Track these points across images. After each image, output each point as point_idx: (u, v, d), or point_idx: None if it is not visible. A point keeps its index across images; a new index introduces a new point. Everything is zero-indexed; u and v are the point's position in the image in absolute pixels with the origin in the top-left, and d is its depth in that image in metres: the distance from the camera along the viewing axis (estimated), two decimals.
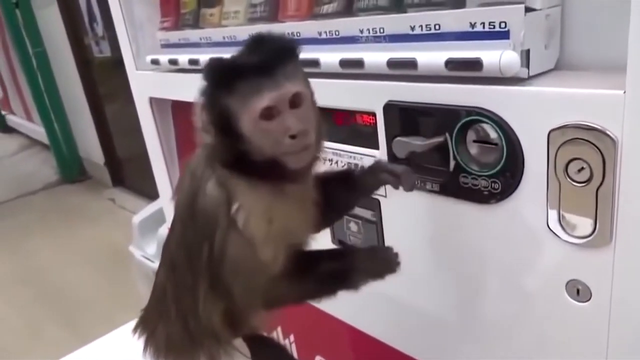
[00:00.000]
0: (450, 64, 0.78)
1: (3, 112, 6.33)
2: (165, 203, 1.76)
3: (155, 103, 1.57)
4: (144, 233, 2.15)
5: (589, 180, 0.68)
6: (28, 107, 5.41)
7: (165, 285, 0.83)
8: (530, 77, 0.75)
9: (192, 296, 0.77)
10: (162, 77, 1.48)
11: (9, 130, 6.30)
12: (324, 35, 0.99)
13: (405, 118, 0.88)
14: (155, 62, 1.44)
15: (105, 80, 4.19)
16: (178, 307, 0.81)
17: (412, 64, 0.83)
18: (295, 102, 0.66)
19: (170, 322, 0.82)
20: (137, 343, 0.87)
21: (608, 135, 0.65)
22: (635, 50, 0.60)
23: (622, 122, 0.63)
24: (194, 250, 0.74)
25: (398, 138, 0.89)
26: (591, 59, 0.77)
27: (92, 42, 3.97)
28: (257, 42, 0.69)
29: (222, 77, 0.66)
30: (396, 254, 0.80)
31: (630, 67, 0.61)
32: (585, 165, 0.68)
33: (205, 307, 0.77)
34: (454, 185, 0.84)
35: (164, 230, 2.02)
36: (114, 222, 3.98)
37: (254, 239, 0.69)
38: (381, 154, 0.94)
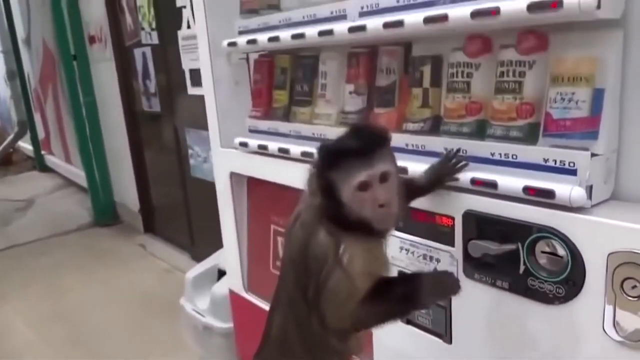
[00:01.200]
0: (528, 190, 0.97)
1: (43, 152, 6.63)
2: (231, 266, 1.92)
3: (234, 178, 1.78)
4: (196, 288, 2.31)
5: None
6: (68, 150, 5.68)
7: (285, 326, 1.00)
8: (592, 207, 0.94)
9: (313, 327, 0.95)
10: (243, 156, 1.69)
11: (46, 169, 6.58)
12: (410, 147, 1.19)
13: (482, 225, 1.07)
14: (243, 144, 1.66)
15: (149, 133, 4.46)
16: (303, 342, 0.97)
17: (493, 184, 1.03)
18: (384, 178, 0.89)
19: (297, 357, 0.98)
20: None
21: None
22: None
23: None
24: (303, 283, 0.94)
25: (474, 241, 1.08)
26: (636, 193, 0.96)
27: (143, 97, 4.25)
28: (356, 130, 0.96)
29: (330, 157, 0.91)
30: (457, 279, 1.01)
31: None
32: (637, 284, 0.86)
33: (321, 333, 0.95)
34: (522, 286, 1.02)
35: (218, 288, 2.18)
36: (144, 267, 4.14)
37: (354, 273, 0.91)
38: (456, 251, 1.12)
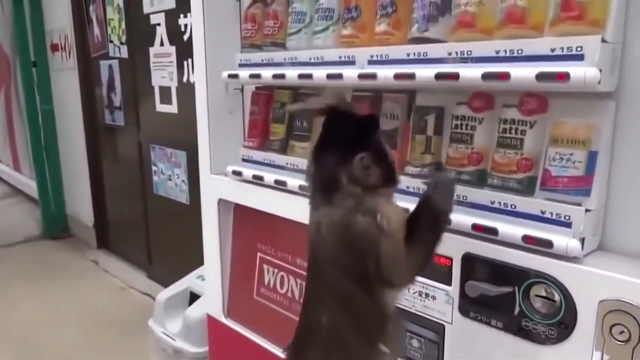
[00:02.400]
0: (527, 238, 1.07)
1: None
2: (211, 291, 1.93)
3: (221, 204, 1.81)
4: (168, 311, 2.30)
5: (627, 341, 0.96)
6: (17, 157, 5.47)
7: (335, 325, 1.03)
8: (583, 256, 1.05)
9: (370, 304, 1.01)
10: (234, 184, 1.73)
11: None
12: (411, 190, 1.27)
13: (480, 267, 1.15)
14: (237, 173, 1.69)
15: (109, 146, 4.38)
16: (356, 331, 1.02)
17: (494, 231, 1.12)
18: None
19: (351, 350, 1.03)
20: None
21: None
22: None
23: None
24: (359, 268, 0.99)
25: (471, 281, 1.16)
26: (620, 244, 1.08)
27: (107, 110, 4.18)
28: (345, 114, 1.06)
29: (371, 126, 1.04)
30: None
31: None
32: (625, 330, 0.96)
33: (383, 298, 1.02)
34: (516, 326, 1.11)
35: (192, 312, 2.18)
36: (97, 284, 4.03)
37: (395, 230, 0.98)
38: (453, 290, 1.21)
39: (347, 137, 1.01)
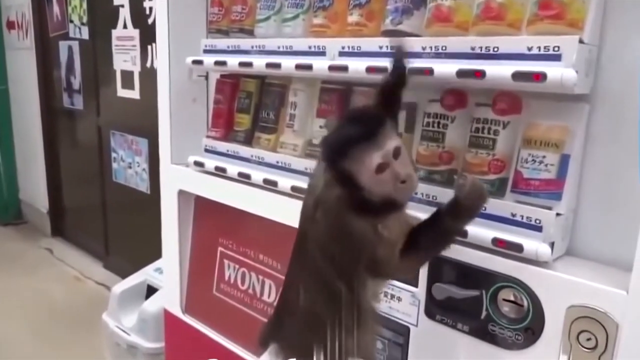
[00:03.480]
0: (497, 242, 1.04)
1: None
2: (169, 286, 1.86)
3: (182, 196, 1.74)
4: (123, 304, 2.21)
5: (594, 348, 0.95)
6: None
7: (312, 305, 1.00)
8: (552, 261, 1.03)
9: (348, 299, 0.96)
10: (195, 175, 1.66)
11: None
12: None
13: (447, 270, 1.12)
14: (199, 163, 1.62)
15: (67, 131, 4.22)
16: (333, 316, 0.98)
17: (463, 233, 1.08)
18: (396, 153, 0.89)
19: (325, 332, 0.98)
20: None
21: (612, 319, 0.92)
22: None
23: (623, 313, 0.91)
24: (345, 264, 0.96)
25: (438, 284, 1.13)
26: (589, 249, 1.06)
27: (65, 93, 4.02)
28: (353, 118, 0.98)
29: (339, 148, 0.90)
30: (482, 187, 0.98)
31: (634, 277, 0.89)
32: (592, 337, 0.95)
33: (363, 291, 0.98)
34: (483, 330, 1.08)
35: (148, 306, 2.10)
36: (51, 274, 3.89)
37: (394, 240, 0.93)
38: (419, 292, 1.17)
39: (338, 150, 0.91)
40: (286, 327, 1.06)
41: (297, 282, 1.04)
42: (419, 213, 1.00)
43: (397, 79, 1.08)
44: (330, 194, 0.95)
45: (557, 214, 1.01)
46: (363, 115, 0.97)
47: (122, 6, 3.25)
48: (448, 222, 0.94)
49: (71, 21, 3.79)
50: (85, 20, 3.67)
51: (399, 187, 0.90)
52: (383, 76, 1.10)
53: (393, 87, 1.08)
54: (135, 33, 3.17)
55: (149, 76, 3.02)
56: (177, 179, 1.73)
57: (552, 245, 1.02)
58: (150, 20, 2.99)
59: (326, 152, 0.94)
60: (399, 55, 1.08)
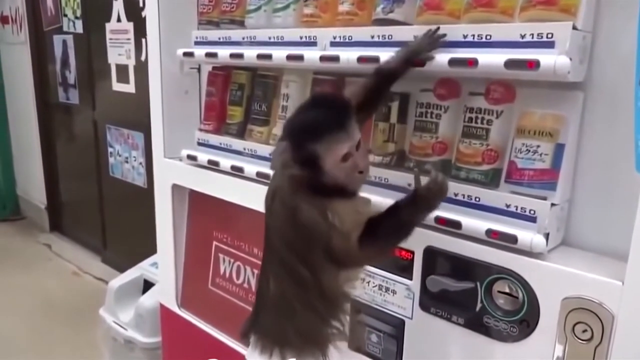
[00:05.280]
0: (491, 233, 1.03)
1: None
2: (165, 280, 1.85)
3: (176, 190, 1.72)
4: (120, 299, 2.20)
5: (590, 340, 0.93)
6: None
7: (282, 292, 1.01)
8: (547, 252, 1.01)
9: (314, 283, 0.97)
10: (189, 169, 1.64)
11: None
12: (373, 179, 1.21)
13: (442, 262, 1.11)
14: (192, 157, 1.61)
15: (63, 125, 4.19)
16: (302, 300, 0.99)
17: (457, 224, 1.07)
18: (358, 145, 0.95)
19: (297, 316, 1.00)
20: None
21: (608, 310, 0.91)
22: (635, 255, 0.86)
23: (619, 304, 0.90)
24: (304, 250, 0.97)
25: (433, 276, 1.12)
26: (584, 240, 1.05)
27: (60, 87, 4.00)
28: (321, 101, 1.01)
29: (308, 131, 0.93)
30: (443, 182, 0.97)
31: (629, 267, 0.88)
32: (588, 329, 0.93)
33: (330, 279, 0.99)
34: (478, 322, 1.07)
35: (145, 300, 2.09)
36: (49, 269, 3.87)
37: (348, 230, 0.94)
38: (414, 284, 1.16)
39: (304, 136, 0.93)
40: (261, 317, 1.07)
41: (267, 272, 1.05)
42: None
43: (403, 68, 1.07)
44: (285, 174, 0.97)
45: (552, 205, 1.00)
46: (333, 103, 0.99)
47: None
48: (406, 214, 0.96)
49: (65, 15, 3.75)
50: (79, 14, 3.64)
51: (356, 176, 0.96)
52: (388, 59, 1.08)
53: (392, 75, 1.08)
54: (130, 26, 3.13)
55: (143, 70, 2.99)
56: (170, 173, 1.72)
57: (546, 236, 1.00)
58: (144, 14, 2.95)
59: (294, 133, 0.95)
60: (426, 46, 1.06)
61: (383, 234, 0.96)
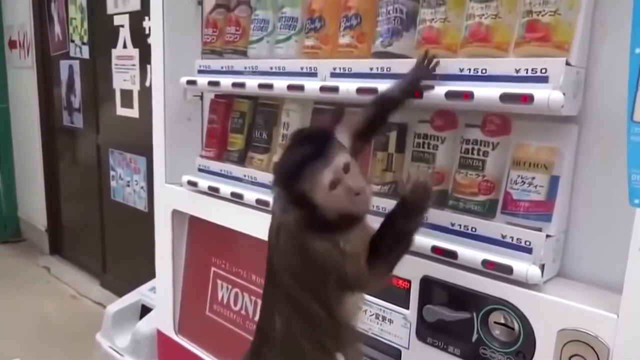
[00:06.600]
0: (487, 263, 1.03)
1: None
2: (162, 306, 1.85)
3: (176, 215, 1.73)
4: (117, 324, 2.19)
5: None
6: None
7: (289, 329, 1.00)
8: (543, 283, 1.02)
9: (324, 318, 0.97)
10: (189, 195, 1.66)
11: None
12: (374, 209, 1.22)
13: (438, 292, 1.11)
14: (192, 183, 1.62)
15: (66, 149, 4.22)
16: (311, 337, 0.99)
17: (453, 254, 1.08)
18: (346, 167, 0.90)
19: (305, 354, 0.99)
20: None
21: (603, 344, 0.91)
22: (629, 288, 0.87)
23: (615, 337, 0.90)
24: (317, 285, 0.95)
25: (429, 306, 1.12)
26: (579, 271, 1.06)
27: (65, 111, 4.04)
28: (299, 138, 0.97)
29: (289, 171, 0.91)
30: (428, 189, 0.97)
31: (623, 300, 0.88)
32: None
33: (341, 310, 0.98)
34: (474, 353, 1.07)
35: (142, 326, 2.08)
36: (48, 292, 3.86)
37: (358, 253, 0.93)
38: (411, 314, 1.16)
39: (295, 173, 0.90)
40: (265, 354, 1.05)
41: (272, 310, 1.03)
42: None
43: (404, 97, 1.08)
44: (288, 218, 0.96)
45: (547, 236, 1.01)
46: (308, 136, 0.98)
47: (122, 26, 3.27)
48: (401, 224, 0.96)
49: (72, 41, 3.81)
50: (85, 39, 3.70)
51: (354, 200, 0.91)
52: (387, 89, 1.09)
53: (392, 105, 1.09)
54: (135, 52, 3.19)
55: (147, 95, 3.01)
56: (171, 199, 1.73)
57: (542, 267, 1.01)
58: (149, 40, 3.01)
59: (278, 178, 0.94)
60: (422, 75, 1.08)
61: (386, 250, 0.96)
